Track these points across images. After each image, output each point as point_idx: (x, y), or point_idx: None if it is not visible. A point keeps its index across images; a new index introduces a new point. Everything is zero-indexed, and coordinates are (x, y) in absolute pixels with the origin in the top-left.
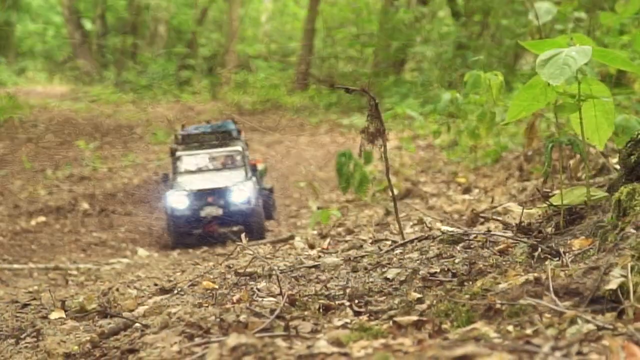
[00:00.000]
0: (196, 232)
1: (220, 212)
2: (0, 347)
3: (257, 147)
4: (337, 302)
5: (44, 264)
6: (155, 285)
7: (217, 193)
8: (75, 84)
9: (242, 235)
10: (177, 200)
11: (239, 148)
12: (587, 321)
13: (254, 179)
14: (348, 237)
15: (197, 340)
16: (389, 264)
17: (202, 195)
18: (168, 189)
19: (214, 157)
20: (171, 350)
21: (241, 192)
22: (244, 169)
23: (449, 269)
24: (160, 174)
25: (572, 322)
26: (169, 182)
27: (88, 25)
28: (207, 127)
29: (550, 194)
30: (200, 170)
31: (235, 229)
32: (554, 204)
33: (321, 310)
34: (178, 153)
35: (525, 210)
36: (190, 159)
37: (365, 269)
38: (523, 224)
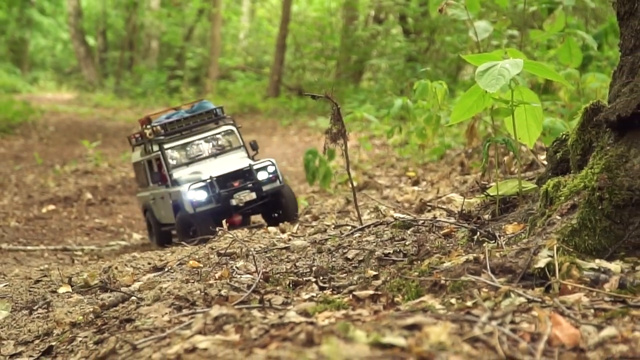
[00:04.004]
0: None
1: (254, 196)
2: (16, 317)
3: None
4: (304, 279)
5: (54, 245)
6: (149, 264)
7: (243, 176)
8: (80, 92)
9: (223, 222)
10: (198, 194)
11: (231, 127)
12: (519, 295)
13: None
14: (314, 223)
15: (185, 311)
16: (349, 245)
17: (226, 181)
18: (165, 188)
19: (208, 142)
20: (162, 320)
21: (269, 169)
22: (244, 148)
23: (400, 250)
24: (135, 183)
25: (506, 295)
26: (157, 183)
27: (91, 41)
28: (183, 112)
29: (487, 186)
30: (197, 160)
31: (256, 219)
32: (491, 194)
33: (291, 285)
34: (166, 145)
35: (466, 200)
36: (182, 149)
37: (329, 250)
38: (464, 211)
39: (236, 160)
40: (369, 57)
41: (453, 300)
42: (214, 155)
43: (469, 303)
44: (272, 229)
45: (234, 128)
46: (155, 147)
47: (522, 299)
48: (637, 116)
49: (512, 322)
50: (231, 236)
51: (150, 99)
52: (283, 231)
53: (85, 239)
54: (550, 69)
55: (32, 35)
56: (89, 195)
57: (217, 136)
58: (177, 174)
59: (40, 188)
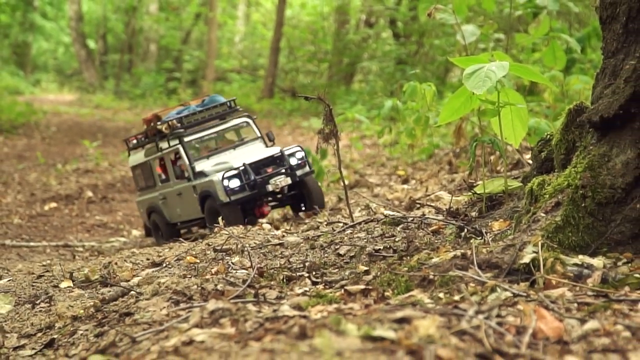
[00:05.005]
0: (248, 216)
1: (289, 180)
2: (19, 310)
3: None
4: (298, 274)
5: (55, 242)
6: (148, 259)
7: (274, 162)
8: (81, 93)
9: (219, 219)
10: (232, 182)
11: (247, 119)
12: (505, 290)
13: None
14: (307, 220)
15: (182, 305)
16: (341, 242)
17: (259, 168)
18: (186, 182)
19: (226, 134)
20: (161, 314)
21: (297, 155)
22: (261, 139)
23: (390, 246)
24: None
25: (493, 290)
26: (176, 179)
27: (92, 44)
28: (193, 107)
29: (474, 184)
30: (216, 152)
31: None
32: (478, 192)
33: (285, 280)
34: (186, 138)
35: (453, 198)
36: (201, 142)
37: (321, 246)
38: (452, 209)
39: (258, 150)
40: (360, 60)
41: (441, 295)
42: (232, 147)
43: (457, 297)
44: (266, 225)
45: (249, 120)
46: (173, 142)
47: (508, 294)
48: (619, 117)
49: (498, 315)
50: (227, 233)
51: (148, 100)
52: (277, 228)
53: (86, 235)
54: (535, 71)
55: (34, 39)
56: (89, 193)
57: (235, 128)
58: (199, 166)
59: (42, 186)
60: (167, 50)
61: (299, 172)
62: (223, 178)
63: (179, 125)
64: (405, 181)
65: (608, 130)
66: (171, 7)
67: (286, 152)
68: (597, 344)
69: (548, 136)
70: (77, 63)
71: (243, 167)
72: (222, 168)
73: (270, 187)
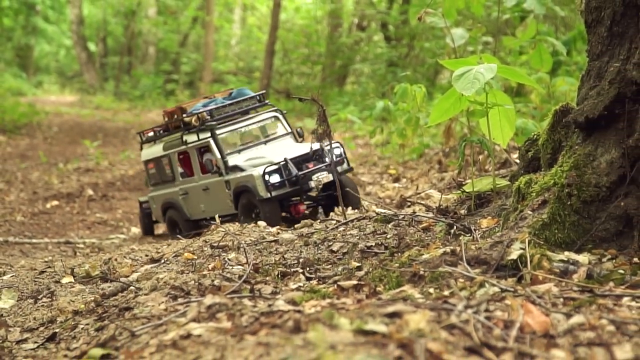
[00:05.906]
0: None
1: (330, 177)
2: (22, 305)
3: None
4: (292, 270)
5: (57, 239)
6: (146, 255)
7: (313, 157)
8: (82, 94)
9: (216, 217)
10: (273, 177)
11: (277, 114)
12: (493, 285)
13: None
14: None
15: (180, 300)
16: (334, 239)
17: (299, 163)
18: (218, 177)
19: (258, 128)
20: (159, 308)
21: (336, 151)
22: (292, 135)
23: (382, 243)
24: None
25: (481, 285)
26: (206, 173)
27: (92, 47)
28: (220, 100)
29: (463, 183)
30: (248, 146)
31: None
32: (466, 190)
33: (279, 276)
34: (218, 131)
35: (443, 196)
36: (234, 135)
37: (315, 243)
38: (441, 207)
39: (291, 146)
40: (352, 62)
41: (431, 290)
42: (263, 142)
43: (446, 292)
44: (261, 223)
45: (279, 114)
46: (203, 135)
47: (496, 289)
48: (604, 117)
49: (486, 310)
50: (223, 230)
51: (147, 101)
52: (272, 225)
53: (87, 232)
54: (522, 73)
55: (37, 42)
56: (90, 192)
57: (265, 122)
58: (232, 161)
59: (44, 185)
60: (165, 53)
61: (342, 170)
62: (264, 173)
63: (209, 117)
64: (397, 180)
65: (593, 131)
66: (169, 11)
67: (328, 147)
68: (583, 338)
69: (535, 136)
70: (78, 65)
71: (284, 162)
72: (257, 163)
73: (312, 184)
